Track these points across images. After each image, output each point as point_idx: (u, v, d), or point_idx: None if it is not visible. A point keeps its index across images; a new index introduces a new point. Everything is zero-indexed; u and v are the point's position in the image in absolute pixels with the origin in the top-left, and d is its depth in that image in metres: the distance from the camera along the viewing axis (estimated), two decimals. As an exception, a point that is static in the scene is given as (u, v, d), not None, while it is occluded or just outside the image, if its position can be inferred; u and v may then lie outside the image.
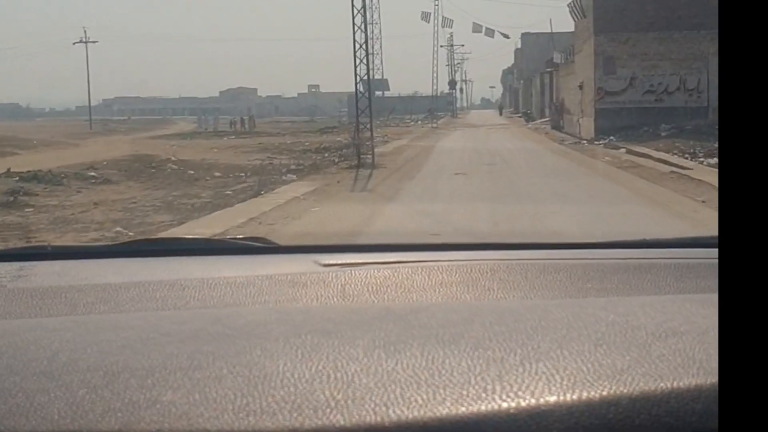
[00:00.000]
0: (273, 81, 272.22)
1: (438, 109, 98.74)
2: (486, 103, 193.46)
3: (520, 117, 77.58)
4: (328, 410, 0.88)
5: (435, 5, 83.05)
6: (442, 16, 61.98)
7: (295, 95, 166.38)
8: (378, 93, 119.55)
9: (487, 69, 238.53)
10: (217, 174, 21.35)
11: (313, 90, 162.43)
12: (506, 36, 57.78)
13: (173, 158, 25.98)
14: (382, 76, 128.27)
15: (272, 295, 1.57)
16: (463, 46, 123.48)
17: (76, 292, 1.58)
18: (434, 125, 57.70)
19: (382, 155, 27.66)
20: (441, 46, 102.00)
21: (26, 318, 1.43)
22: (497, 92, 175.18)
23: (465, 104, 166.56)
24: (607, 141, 32.94)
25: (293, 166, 23.46)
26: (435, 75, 71.16)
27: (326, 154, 28.16)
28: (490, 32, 54.50)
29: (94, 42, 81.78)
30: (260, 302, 1.54)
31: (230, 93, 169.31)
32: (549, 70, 58.48)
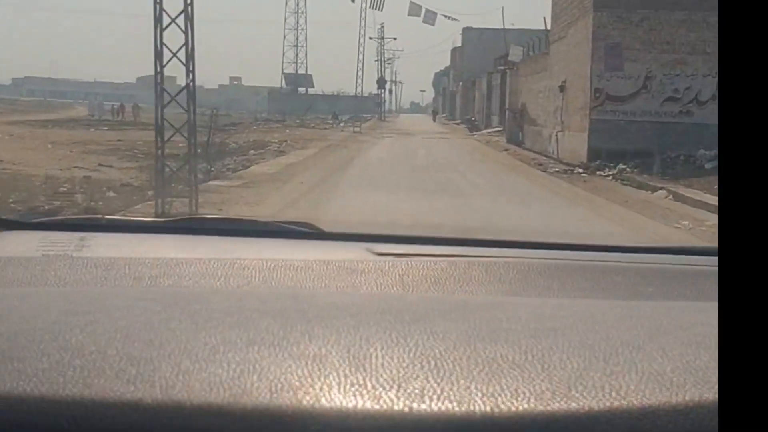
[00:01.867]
0: (195, 70, 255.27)
1: (364, 110, 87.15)
2: (416, 108, 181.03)
3: (458, 124, 64.98)
4: (433, 396, 0.86)
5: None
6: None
7: (216, 87, 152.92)
8: (301, 89, 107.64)
9: (417, 70, 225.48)
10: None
11: (235, 82, 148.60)
12: (452, 19, 44.55)
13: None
14: (306, 70, 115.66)
15: (332, 281, 1.55)
16: (395, 39, 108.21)
17: (139, 264, 1.57)
18: (356, 129, 44.65)
19: (244, 186, 14.54)
20: (370, 38, 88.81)
21: (95, 287, 1.45)
22: (428, 96, 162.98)
23: (393, 107, 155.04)
24: (615, 171, 20.49)
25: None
26: (361, 67, 56.64)
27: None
28: (430, 17, 41.70)
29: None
30: (322, 286, 1.52)
31: (148, 80, 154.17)
32: (501, 68, 46.02)
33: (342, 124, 50.89)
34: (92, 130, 37.80)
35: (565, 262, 1.80)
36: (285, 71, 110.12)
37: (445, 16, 43.34)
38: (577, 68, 24.82)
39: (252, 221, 2.26)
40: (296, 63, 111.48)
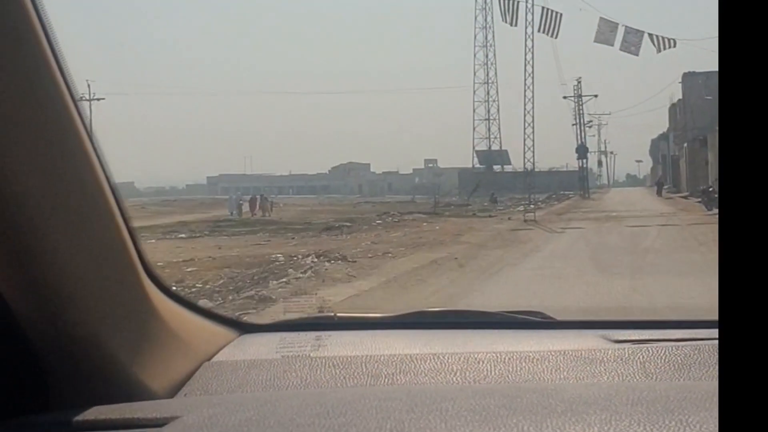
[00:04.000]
0: (388, 156, 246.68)
1: (567, 186, 72.45)
2: (632, 180, 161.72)
3: (686, 198, 48.13)
4: None
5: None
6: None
7: (410, 171, 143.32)
8: (497, 167, 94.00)
9: (631, 139, 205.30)
10: None
11: (430, 165, 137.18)
12: (666, 44, 28.79)
13: None
14: (500, 146, 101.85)
15: (570, 372, 1.50)
16: (596, 96, 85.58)
17: (375, 362, 1.58)
18: (528, 216, 29.65)
19: None
20: (564, 98, 73.34)
21: (336, 387, 1.48)
22: (645, 167, 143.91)
23: (607, 181, 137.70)
24: None
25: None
26: (530, 122, 38.96)
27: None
28: (633, 40, 26.78)
29: (100, 99, 57.68)
30: (560, 378, 1.48)
31: (341, 169, 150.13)
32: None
33: (522, 209, 35.72)
34: (202, 235, 26.75)
35: None
36: (477, 148, 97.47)
37: (656, 40, 27.94)
38: None
39: (481, 312, 2.12)
40: (489, 138, 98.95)
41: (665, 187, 62.60)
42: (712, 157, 43.80)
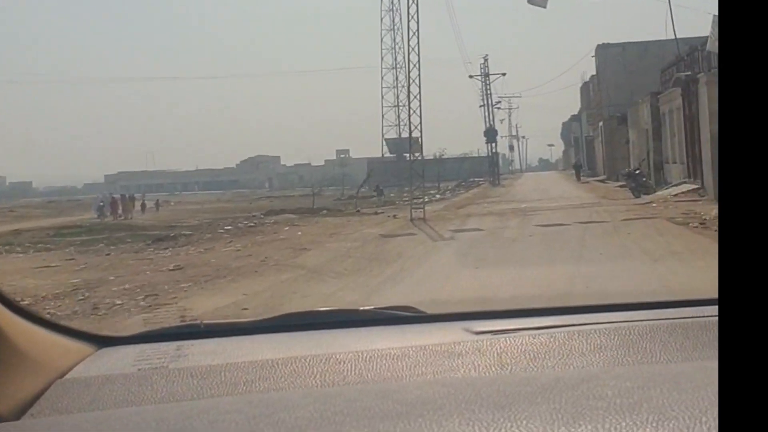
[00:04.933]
0: (300, 148, 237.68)
1: (478, 173, 66.90)
2: (545, 165, 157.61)
3: (604, 182, 42.63)
4: None
5: None
6: None
7: (323, 163, 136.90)
8: (406, 155, 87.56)
9: (543, 123, 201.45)
10: None
11: (342, 156, 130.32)
12: None
13: None
14: (410, 133, 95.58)
15: (429, 367, 1.51)
16: (504, 75, 79.54)
17: (235, 370, 1.55)
18: (416, 213, 23.16)
19: None
20: (470, 77, 67.20)
21: (190, 399, 1.42)
22: (557, 151, 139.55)
23: (519, 166, 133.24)
24: None
25: None
26: (416, 96, 31.04)
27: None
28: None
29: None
30: (418, 374, 1.48)
31: (249, 162, 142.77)
32: (685, 75, 24.37)
33: (449, 193, 29.36)
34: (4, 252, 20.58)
35: (669, 322, 1.65)
36: (386, 136, 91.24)
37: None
38: None
39: (352, 311, 2.06)
40: (398, 126, 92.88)
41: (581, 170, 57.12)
42: (634, 135, 38.22)
